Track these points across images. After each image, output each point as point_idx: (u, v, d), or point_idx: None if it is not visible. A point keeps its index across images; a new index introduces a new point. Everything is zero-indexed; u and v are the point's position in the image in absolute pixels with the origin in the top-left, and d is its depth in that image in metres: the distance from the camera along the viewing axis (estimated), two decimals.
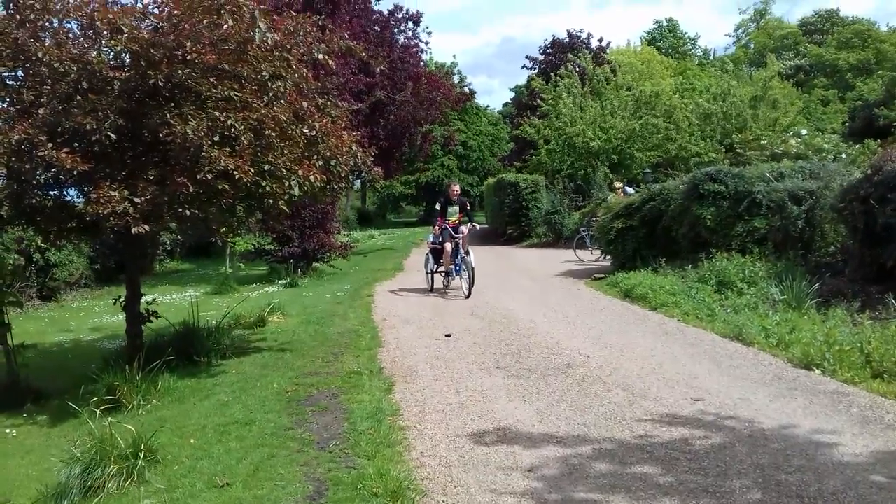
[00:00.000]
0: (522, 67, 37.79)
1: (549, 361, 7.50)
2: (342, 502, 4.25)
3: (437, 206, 13.18)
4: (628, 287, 11.68)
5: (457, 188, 13.24)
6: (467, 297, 11.97)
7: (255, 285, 17.17)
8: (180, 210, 6.88)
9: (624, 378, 6.70)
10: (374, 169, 8.86)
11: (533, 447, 5.04)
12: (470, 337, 8.94)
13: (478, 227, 14.94)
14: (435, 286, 13.20)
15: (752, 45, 56.61)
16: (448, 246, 12.54)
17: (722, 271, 10.64)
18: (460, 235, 12.57)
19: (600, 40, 35.43)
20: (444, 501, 4.28)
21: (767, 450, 4.79)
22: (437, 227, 12.98)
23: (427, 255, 13.55)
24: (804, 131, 20.30)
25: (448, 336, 9.04)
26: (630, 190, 19.37)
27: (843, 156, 16.37)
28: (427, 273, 13.40)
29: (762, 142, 19.24)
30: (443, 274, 13.12)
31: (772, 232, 11.20)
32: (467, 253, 12.39)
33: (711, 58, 54.54)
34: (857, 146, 18.65)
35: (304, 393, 6.80)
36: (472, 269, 12.22)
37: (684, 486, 4.27)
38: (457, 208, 12.90)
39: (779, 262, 10.56)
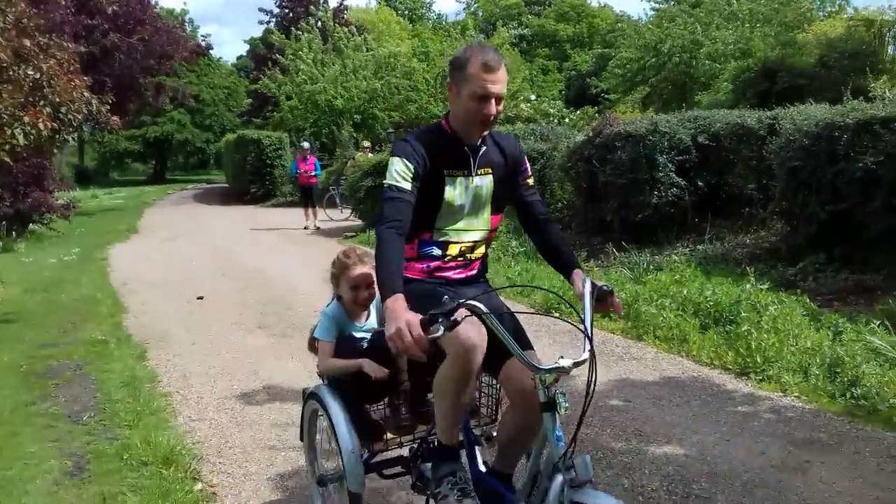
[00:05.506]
0: (259, 22, 36.51)
1: (314, 318, 7.47)
2: (109, 475, 3.93)
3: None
4: None
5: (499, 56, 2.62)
6: None
7: None
8: None
9: None
10: (112, 118, 8.12)
11: None
12: (225, 299, 8.62)
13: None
14: None
15: (481, 13, 59.63)
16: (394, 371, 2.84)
17: None
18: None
19: None
20: (220, 462, 4.15)
21: None
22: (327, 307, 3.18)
23: (302, 413, 3.28)
24: (534, 97, 22.01)
25: (200, 298, 8.64)
26: (306, 144, 18.25)
27: (567, 120, 18.06)
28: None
29: None
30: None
31: None
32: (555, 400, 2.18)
33: (444, 23, 56.50)
34: (578, 112, 20.68)
35: (43, 366, 6.14)
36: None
37: None
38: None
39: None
